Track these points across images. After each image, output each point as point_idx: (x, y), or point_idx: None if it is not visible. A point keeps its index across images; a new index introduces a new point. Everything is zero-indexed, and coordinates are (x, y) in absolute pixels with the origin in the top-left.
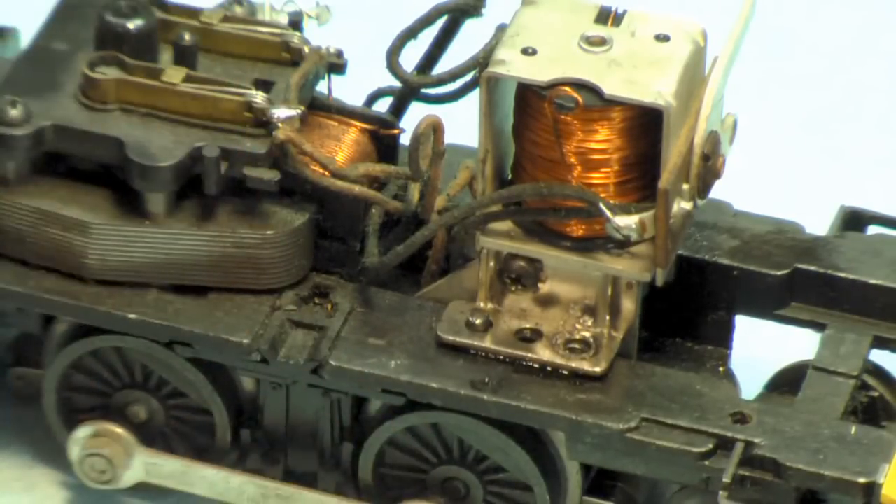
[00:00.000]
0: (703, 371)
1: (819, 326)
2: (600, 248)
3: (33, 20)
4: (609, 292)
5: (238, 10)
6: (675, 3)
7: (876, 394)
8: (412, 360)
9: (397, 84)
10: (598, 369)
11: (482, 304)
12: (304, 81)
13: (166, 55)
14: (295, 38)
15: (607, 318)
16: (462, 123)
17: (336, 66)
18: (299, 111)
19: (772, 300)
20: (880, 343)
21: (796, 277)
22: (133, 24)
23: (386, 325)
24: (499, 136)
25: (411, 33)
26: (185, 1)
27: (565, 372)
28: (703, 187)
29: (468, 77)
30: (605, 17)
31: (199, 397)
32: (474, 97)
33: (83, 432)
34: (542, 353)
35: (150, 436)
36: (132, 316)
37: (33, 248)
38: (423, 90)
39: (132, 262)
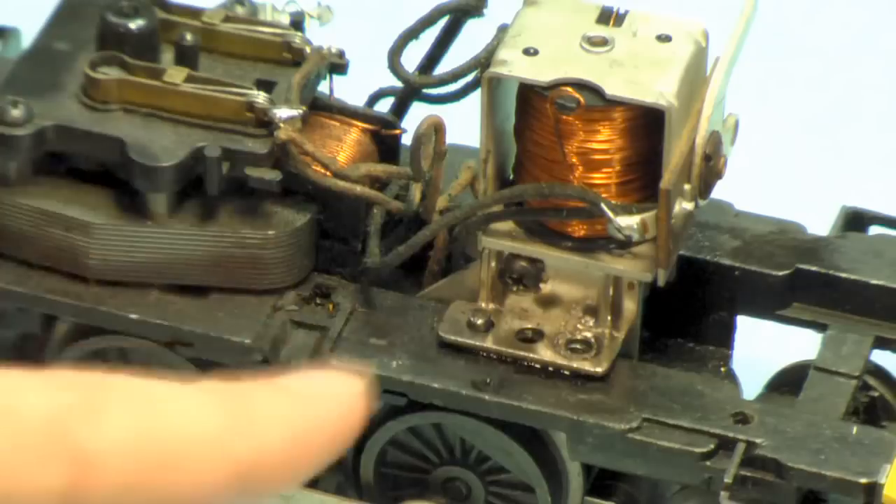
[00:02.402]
0: (705, 371)
1: (820, 327)
2: (602, 248)
3: (34, 20)
4: (610, 292)
5: (240, 11)
6: (677, 4)
7: (876, 394)
8: (414, 360)
9: (399, 84)
10: (599, 370)
11: (483, 305)
12: (305, 81)
13: (168, 55)
14: (296, 38)
15: (609, 318)
16: (463, 124)
17: (338, 66)
18: (301, 111)
19: (773, 300)
20: (881, 343)
21: (798, 278)
22: (135, 25)
23: (387, 326)
24: (500, 136)
25: (413, 33)
26: (187, 1)
27: (567, 372)
28: (704, 187)
29: (470, 77)
30: (607, 17)
31: None
32: (476, 97)
33: None
34: (544, 353)
35: None
36: (134, 316)
37: (35, 248)
38: (425, 90)
39: (134, 263)
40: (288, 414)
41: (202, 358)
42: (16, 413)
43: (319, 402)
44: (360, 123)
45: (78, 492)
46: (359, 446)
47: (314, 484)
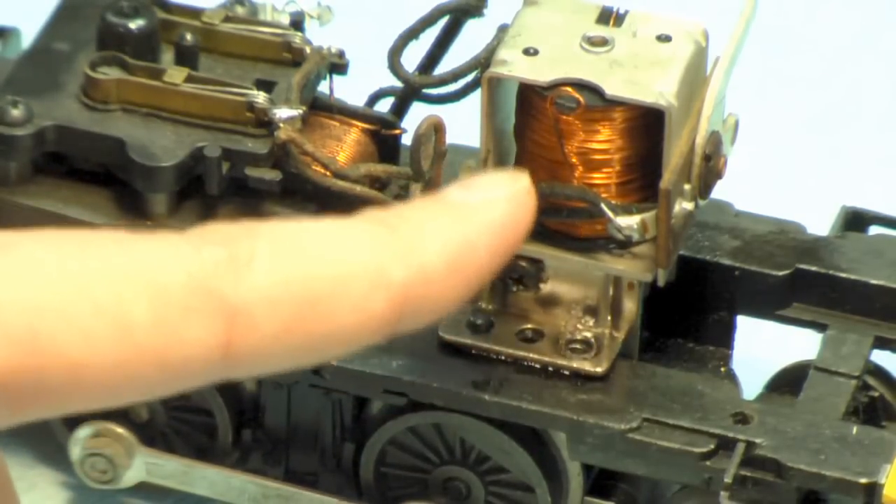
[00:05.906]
0: (705, 371)
1: (820, 327)
2: (602, 248)
3: (34, 20)
4: (610, 292)
5: (240, 11)
6: (677, 4)
7: (876, 394)
8: (414, 360)
9: (399, 84)
10: (599, 369)
11: (484, 305)
12: (305, 82)
13: (168, 55)
14: (296, 38)
15: (609, 318)
16: (463, 123)
17: (338, 66)
18: (301, 111)
19: (773, 300)
20: (881, 343)
21: (797, 278)
22: (135, 25)
23: None
24: (500, 136)
25: (413, 33)
26: (187, 1)
27: (567, 372)
28: (704, 187)
29: (470, 77)
30: (607, 17)
31: (201, 398)
32: (476, 97)
33: (84, 432)
34: (544, 353)
35: (152, 436)
36: None
37: None
38: (425, 90)
39: None
40: (449, 230)
41: None
42: (156, 278)
43: (483, 210)
44: (360, 123)
45: (235, 347)
46: (359, 446)
47: (314, 484)
